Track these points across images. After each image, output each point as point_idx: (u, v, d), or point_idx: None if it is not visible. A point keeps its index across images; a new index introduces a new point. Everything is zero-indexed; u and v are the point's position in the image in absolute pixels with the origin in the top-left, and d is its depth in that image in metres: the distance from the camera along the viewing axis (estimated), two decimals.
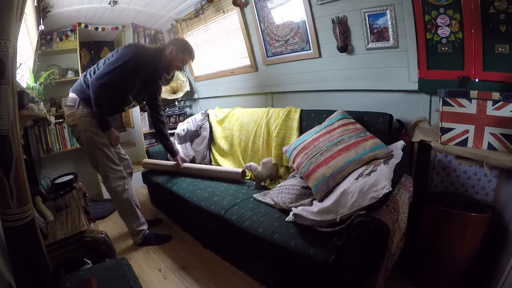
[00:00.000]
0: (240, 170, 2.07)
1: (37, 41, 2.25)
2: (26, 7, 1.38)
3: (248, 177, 2.19)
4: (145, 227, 2.01)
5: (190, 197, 1.87)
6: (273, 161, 2.05)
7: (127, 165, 2.11)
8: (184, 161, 2.31)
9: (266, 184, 2.02)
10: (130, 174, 2.14)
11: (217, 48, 2.87)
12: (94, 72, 1.76)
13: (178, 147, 2.61)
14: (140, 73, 1.76)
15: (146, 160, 2.49)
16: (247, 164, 2.02)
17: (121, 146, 2.15)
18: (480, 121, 1.21)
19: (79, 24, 2.83)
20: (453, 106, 1.25)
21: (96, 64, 1.84)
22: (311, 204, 1.42)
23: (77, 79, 2.85)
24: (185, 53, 1.85)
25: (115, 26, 3.10)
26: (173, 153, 2.28)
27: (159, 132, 2.21)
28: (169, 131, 3.09)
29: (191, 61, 1.96)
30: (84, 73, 1.85)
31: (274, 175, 2.01)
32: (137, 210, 1.98)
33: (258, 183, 1.97)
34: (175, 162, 2.27)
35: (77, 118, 1.76)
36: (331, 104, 2.00)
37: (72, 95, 1.81)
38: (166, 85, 2.07)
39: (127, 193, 1.90)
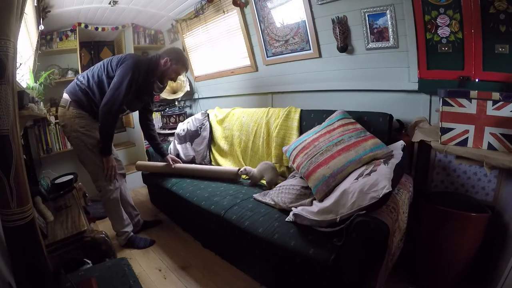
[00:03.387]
0: (235, 169, 2.07)
1: (37, 41, 2.25)
2: (26, 7, 1.38)
3: (246, 177, 2.19)
4: (129, 229, 2.02)
5: (190, 197, 1.87)
6: (273, 160, 2.05)
7: (120, 166, 2.09)
8: (175, 161, 2.29)
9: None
10: (123, 175, 2.13)
11: (217, 48, 2.87)
12: (88, 78, 1.78)
13: (178, 147, 2.61)
14: (135, 87, 1.79)
15: (140, 162, 2.47)
16: (243, 169, 2.03)
17: (119, 146, 2.15)
18: (480, 121, 1.21)
19: (79, 24, 2.83)
20: (453, 106, 1.25)
21: (89, 70, 1.84)
22: (311, 204, 1.42)
23: None
24: (179, 64, 1.89)
25: (115, 26, 3.10)
26: (163, 154, 2.27)
27: (149, 134, 2.23)
28: (169, 131, 3.11)
29: (184, 72, 2.01)
30: (78, 75, 1.87)
31: (274, 180, 1.91)
32: (123, 212, 1.99)
33: (254, 184, 1.99)
34: (167, 164, 2.27)
35: (67, 118, 1.77)
36: (331, 104, 2.00)
37: (65, 95, 1.82)
38: (159, 93, 2.10)
39: (116, 193, 1.92)
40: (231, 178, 2.06)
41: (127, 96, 1.72)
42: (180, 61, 1.89)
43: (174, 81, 1.99)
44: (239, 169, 2.05)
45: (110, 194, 1.88)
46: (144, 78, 1.81)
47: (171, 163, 2.25)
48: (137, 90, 1.81)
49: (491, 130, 1.20)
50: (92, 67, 1.86)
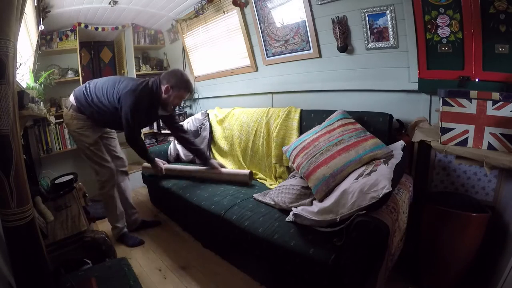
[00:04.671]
0: (247, 171, 2.02)
1: (37, 41, 2.25)
2: (26, 7, 1.38)
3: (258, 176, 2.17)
4: (121, 224, 2.06)
5: (190, 197, 1.87)
6: (273, 160, 2.05)
7: (122, 163, 2.13)
8: (221, 166, 2.17)
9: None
10: (125, 173, 2.16)
11: (217, 48, 2.87)
12: (92, 98, 1.80)
13: (178, 147, 2.61)
14: (141, 117, 1.82)
15: (146, 164, 2.38)
16: None
17: (120, 146, 2.17)
18: (480, 121, 1.21)
19: (79, 24, 2.83)
20: (453, 106, 1.25)
21: (94, 85, 1.84)
22: (311, 204, 1.42)
23: (77, 79, 2.88)
24: (181, 90, 1.81)
25: (115, 26, 3.10)
26: (205, 159, 2.15)
27: (186, 143, 2.20)
28: (169, 131, 3.10)
29: (188, 95, 1.96)
30: (88, 83, 1.88)
31: None
32: (118, 207, 2.02)
33: None
34: (178, 166, 2.25)
35: (68, 119, 1.88)
36: (331, 104, 2.00)
37: (72, 97, 1.88)
38: (167, 113, 2.01)
39: (112, 190, 1.97)
40: (244, 181, 1.99)
41: (138, 127, 1.89)
42: (182, 87, 1.80)
43: (179, 106, 2.02)
44: (251, 172, 2.02)
45: (106, 190, 1.94)
46: (148, 107, 1.81)
47: (218, 168, 2.10)
48: (145, 116, 1.85)
49: (491, 130, 1.20)
50: (96, 83, 1.84)
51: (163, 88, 1.78)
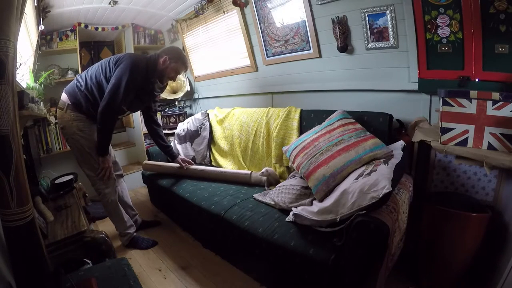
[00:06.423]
0: (248, 172, 2.04)
1: (37, 41, 2.25)
2: (26, 7, 1.38)
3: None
4: (131, 230, 2.02)
5: (190, 197, 1.87)
6: (273, 160, 2.05)
7: (117, 167, 2.09)
8: (188, 162, 2.26)
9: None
10: (121, 176, 2.13)
11: (217, 48, 2.87)
12: (86, 80, 1.75)
13: (178, 147, 2.61)
14: (134, 87, 1.75)
15: (147, 162, 2.42)
16: (264, 169, 1.98)
17: (119, 146, 2.16)
18: (480, 121, 1.21)
19: (79, 24, 2.83)
20: (453, 106, 1.25)
21: (87, 71, 1.82)
22: (311, 204, 1.42)
23: None
24: (179, 62, 1.85)
25: (115, 26, 3.10)
26: (173, 156, 2.24)
27: (156, 136, 2.19)
28: (169, 131, 3.12)
29: (184, 71, 1.96)
30: (78, 76, 1.84)
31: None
32: (123, 213, 1.98)
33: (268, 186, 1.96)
34: (179, 165, 2.23)
35: (65, 121, 1.76)
36: (331, 104, 2.00)
37: (63, 96, 1.79)
38: (160, 93, 2.04)
39: (114, 196, 1.90)
40: (245, 181, 2.01)
41: (125, 97, 1.70)
42: (179, 60, 1.85)
43: (174, 80, 1.96)
44: (251, 172, 2.03)
45: (109, 197, 1.87)
46: (143, 77, 1.78)
47: (183, 165, 2.20)
48: (136, 90, 1.79)
49: (491, 130, 1.20)
50: (89, 68, 1.83)
51: (161, 60, 1.80)
